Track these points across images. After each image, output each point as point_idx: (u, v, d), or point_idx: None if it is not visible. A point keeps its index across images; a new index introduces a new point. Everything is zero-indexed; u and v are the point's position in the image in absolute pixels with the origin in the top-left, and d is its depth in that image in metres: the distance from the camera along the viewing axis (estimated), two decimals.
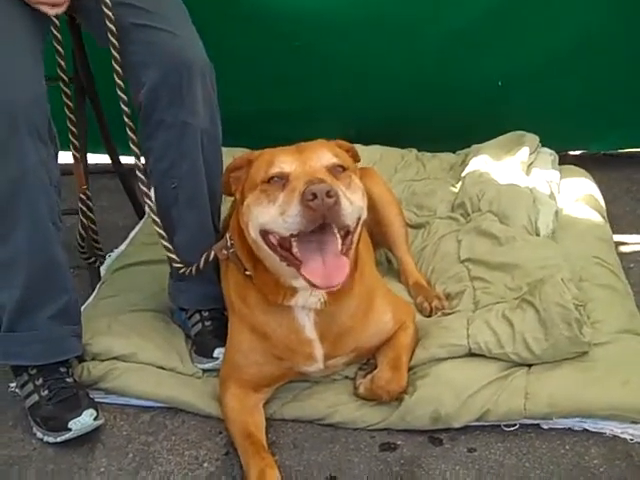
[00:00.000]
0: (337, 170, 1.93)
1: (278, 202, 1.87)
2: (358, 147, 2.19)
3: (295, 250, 1.88)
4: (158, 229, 2.32)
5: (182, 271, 2.31)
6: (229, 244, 2.14)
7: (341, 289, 1.94)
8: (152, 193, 2.38)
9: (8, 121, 2.02)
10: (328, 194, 1.78)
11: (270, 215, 1.89)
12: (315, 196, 1.78)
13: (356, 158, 2.14)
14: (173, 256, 2.33)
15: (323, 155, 1.94)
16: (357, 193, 1.95)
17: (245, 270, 2.09)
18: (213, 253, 2.22)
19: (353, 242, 1.97)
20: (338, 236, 1.88)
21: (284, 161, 1.92)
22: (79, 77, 2.75)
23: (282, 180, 1.89)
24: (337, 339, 2.12)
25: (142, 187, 2.31)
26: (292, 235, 1.85)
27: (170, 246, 2.33)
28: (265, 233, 1.93)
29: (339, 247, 1.88)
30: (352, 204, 1.88)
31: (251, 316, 2.12)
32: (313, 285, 1.87)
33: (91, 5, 2.27)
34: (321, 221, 1.81)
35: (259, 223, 1.93)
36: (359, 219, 1.96)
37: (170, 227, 2.35)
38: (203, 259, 2.25)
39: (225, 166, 2.15)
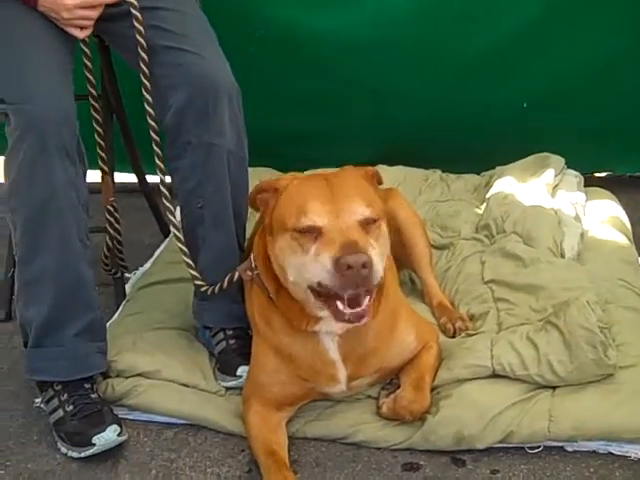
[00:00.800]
0: (369, 222, 1.91)
1: (310, 254, 1.87)
2: (382, 168, 2.21)
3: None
4: (180, 245, 2.33)
5: (204, 289, 2.32)
6: (253, 266, 2.14)
7: None
8: (177, 211, 2.40)
9: (38, 140, 2.04)
10: (364, 265, 1.79)
11: (303, 265, 1.89)
12: (350, 267, 1.78)
13: (380, 182, 2.14)
14: (195, 273, 2.34)
15: (356, 208, 1.90)
16: (385, 245, 1.95)
17: (269, 293, 2.10)
18: (237, 274, 2.23)
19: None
20: None
21: (316, 212, 1.89)
22: (107, 95, 2.78)
23: (314, 233, 1.88)
24: (361, 360, 2.13)
25: (166, 202, 2.33)
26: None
27: (192, 262, 2.34)
28: None
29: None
30: (381, 258, 1.89)
31: (275, 338, 2.13)
32: (338, 320, 1.91)
33: (119, 29, 2.31)
34: (354, 289, 1.83)
35: (290, 270, 1.94)
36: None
37: (195, 246, 2.36)
38: (227, 280, 2.26)
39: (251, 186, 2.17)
